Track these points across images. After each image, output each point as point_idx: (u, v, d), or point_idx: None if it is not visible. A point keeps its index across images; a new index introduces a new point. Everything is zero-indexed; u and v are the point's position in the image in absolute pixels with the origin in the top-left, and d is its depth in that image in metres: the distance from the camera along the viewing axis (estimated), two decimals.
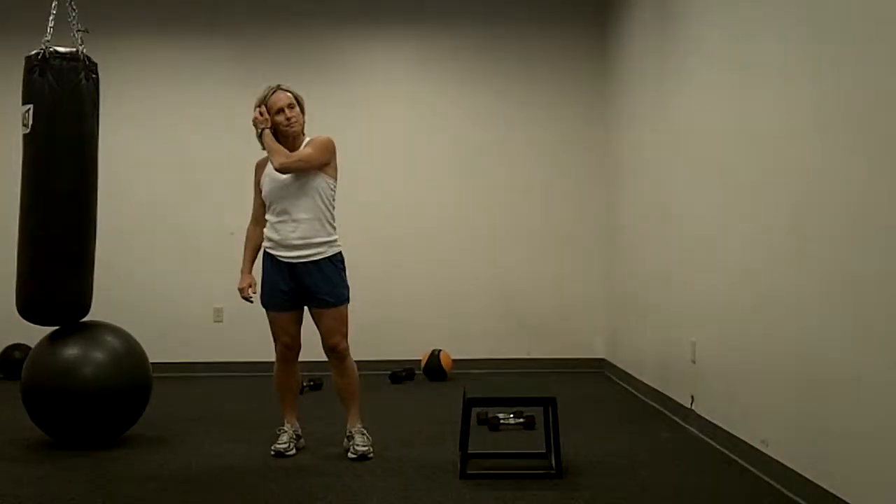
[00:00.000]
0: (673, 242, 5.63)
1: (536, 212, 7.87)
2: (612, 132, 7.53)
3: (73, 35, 4.90)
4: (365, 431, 4.55)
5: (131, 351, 4.88)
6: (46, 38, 4.72)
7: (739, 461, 4.37)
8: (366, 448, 4.46)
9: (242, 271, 4.63)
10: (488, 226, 7.82)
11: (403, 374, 7.25)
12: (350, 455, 4.45)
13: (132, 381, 4.82)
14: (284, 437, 4.63)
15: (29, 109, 4.71)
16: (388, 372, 7.26)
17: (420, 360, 7.41)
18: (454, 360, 7.41)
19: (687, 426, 5.23)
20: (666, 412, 5.68)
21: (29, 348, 5.18)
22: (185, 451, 4.73)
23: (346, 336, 4.55)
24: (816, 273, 3.62)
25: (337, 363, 4.56)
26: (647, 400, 6.18)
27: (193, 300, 7.77)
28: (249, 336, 7.61)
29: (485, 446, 4.68)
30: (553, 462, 4.19)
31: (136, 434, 5.03)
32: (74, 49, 4.79)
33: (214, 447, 4.82)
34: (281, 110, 4.50)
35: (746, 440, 4.33)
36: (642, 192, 6.47)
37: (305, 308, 4.59)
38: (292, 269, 4.49)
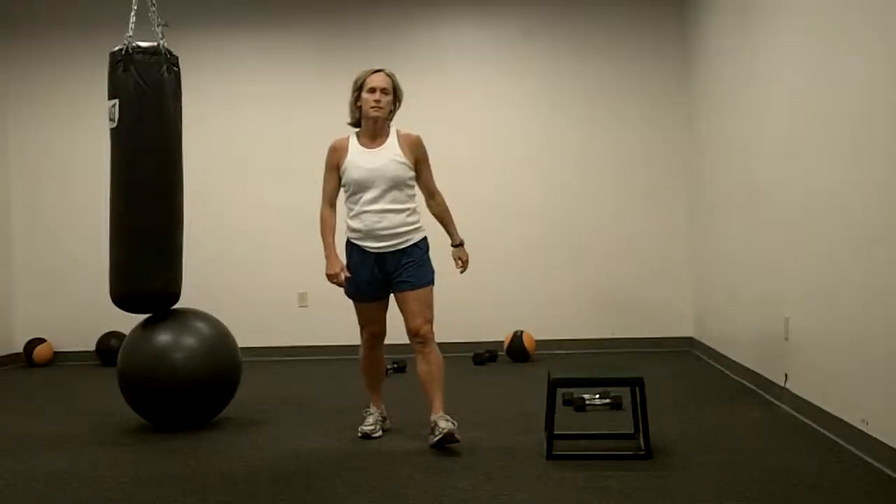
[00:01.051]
0: (762, 217, 5.49)
1: (619, 191, 7.76)
2: (694, 106, 7.38)
3: (154, 30, 4.99)
4: (449, 418, 4.37)
5: (221, 336, 4.97)
6: (129, 34, 4.81)
7: (837, 440, 4.24)
8: (450, 430, 4.28)
9: (329, 256, 4.45)
10: (570, 207, 7.74)
11: (486, 355, 7.24)
12: (434, 440, 4.29)
13: (222, 365, 4.91)
14: (371, 420, 4.65)
15: (115, 104, 4.81)
16: (471, 354, 7.26)
17: (503, 342, 7.39)
18: (537, 341, 7.37)
19: (780, 405, 5.10)
20: (758, 391, 5.56)
21: (124, 336, 5.31)
22: (274, 434, 4.80)
23: (430, 320, 4.45)
24: None
25: (420, 348, 4.45)
26: (737, 378, 6.05)
27: (278, 286, 7.89)
28: (334, 320, 7.72)
29: (571, 427, 4.64)
30: (642, 442, 4.12)
31: (227, 417, 5.14)
32: (156, 43, 4.88)
33: (302, 429, 4.88)
34: (374, 90, 4.38)
35: (845, 419, 4.20)
36: (729, 167, 6.32)
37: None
38: (380, 258, 4.42)
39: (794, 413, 4.86)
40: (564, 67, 7.79)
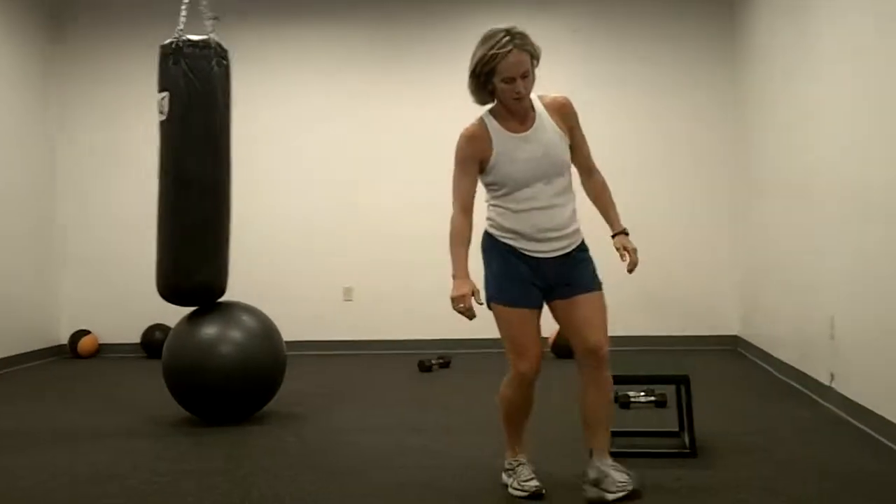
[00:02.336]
0: (811, 213, 5.41)
1: (665, 186, 7.71)
2: (743, 100, 7.30)
3: (205, 23, 5.03)
4: (621, 467, 3.46)
5: (266, 329, 5.00)
6: (180, 28, 4.86)
7: (884, 441, 4.18)
8: (635, 487, 3.39)
9: (457, 276, 3.38)
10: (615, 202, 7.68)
11: None
12: (608, 497, 3.36)
13: (267, 358, 4.94)
14: (527, 471, 3.56)
15: (165, 97, 4.87)
16: None
17: (548, 339, 7.36)
18: None
19: (826, 404, 5.04)
20: (804, 390, 5.49)
21: (169, 329, 5.36)
22: (317, 428, 4.83)
23: (607, 334, 3.49)
24: None
25: (593, 371, 3.46)
26: (783, 377, 5.98)
27: (323, 280, 7.93)
28: (379, 315, 7.74)
29: (616, 424, 4.61)
30: (687, 440, 4.09)
31: (271, 411, 5.17)
32: (206, 37, 4.92)
33: (346, 423, 4.91)
34: (513, 80, 3.29)
35: (892, 419, 4.14)
36: (779, 163, 6.25)
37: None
38: (543, 263, 3.45)
39: (840, 413, 4.80)
40: (611, 55, 7.76)
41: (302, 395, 5.68)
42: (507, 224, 3.43)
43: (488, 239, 3.50)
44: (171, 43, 4.84)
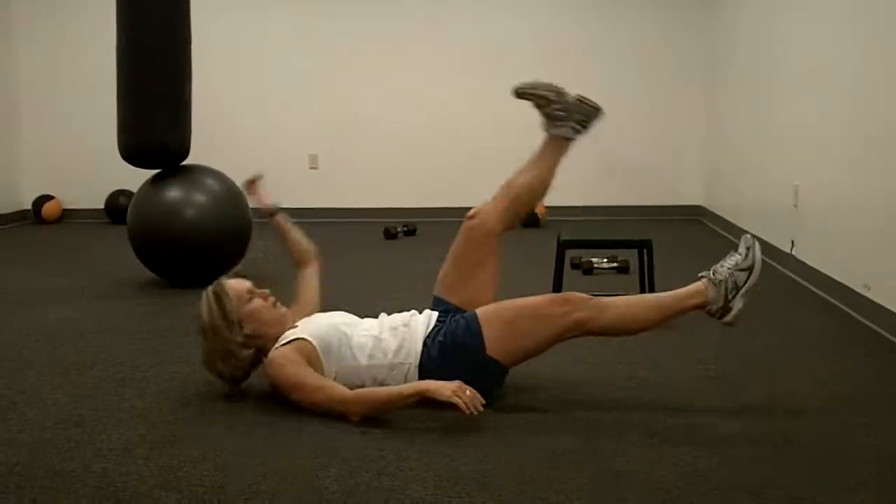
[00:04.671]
0: (776, 80, 5.41)
1: (631, 53, 7.65)
2: None
3: None
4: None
5: (230, 193, 4.97)
6: None
7: (840, 305, 4.30)
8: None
9: (410, 391, 2.77)
10: (582, 71, 7.63)
11: None
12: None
13: (232, 221, 4.92)
14: None
15: None
16: None
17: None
18: (547, 208, 7.38)
19: (785, 271, 5.15)
20: (764, 258, 5.58)
21: (132, 195, 5.32)
22: (284, 290, 4.85)
23: None
24: None
25: None
26: None
27: (288, 147, 7.86)
28: (344, 183, 7.73)
29: (578, 289, 4.68)
30: None
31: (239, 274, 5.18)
32: None
33: None
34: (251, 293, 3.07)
35: (849, 284, 4.24)
36: (744, 27, 6.20)
37: None
38: None
39: (799, 279, 4.91)
40: None
41: (267, 261, 5.70)
42: None
43: None
44: None
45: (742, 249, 2.92)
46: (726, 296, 2.87)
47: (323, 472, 2.42)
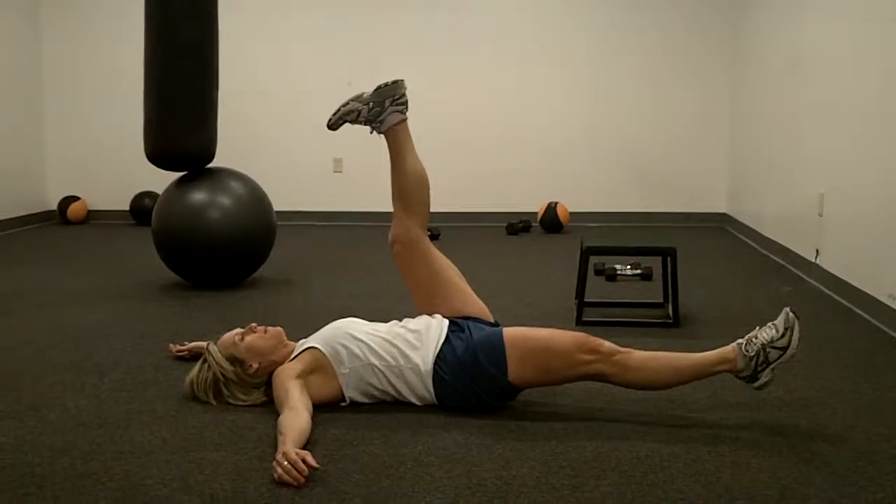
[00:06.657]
0: (802, 89, 5.37)
1: (657, 61, 7.60)
2: None
3: None
4: None
5: (255, 196, 4.99)
6: None
7: (864, 315, 4.26)
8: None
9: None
10: (607, 75, 7.60)
11: (520, 225, 7.26)
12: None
13: (257, 224, 4.94)
14: None
15: None
16: (504, 224, 7.27)
17: (537, 213, 7.39)
18: (570, 213, 7.37)
19: (810, 280, 5.11)
20: (788, 266, 5.55)
21: (157, 196, 5.35)
22: (308, 293, 4.88)
23: None
24: None
25: None
26: (768, 254, 6.04)
27: (313, 151, 7.88)
28: (368, 186, 7.74)
29: (601, 296, 4.68)
30: (670, 311, 4.16)
31: (262, 277, 5.22)
32: None
33: (336, 289, 4.96)
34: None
35: (873, 294, 4.20)
36: (769, 36, 6.16)
37: None
38: None
39: (823, 289, 4.87)
40: None
41: (292, 263, 5.73)
42: None
43: None
44: None
45: (781, 327, 2.84)
46: (756, 368, 2.83)
47: (343, 478, 2.42)
